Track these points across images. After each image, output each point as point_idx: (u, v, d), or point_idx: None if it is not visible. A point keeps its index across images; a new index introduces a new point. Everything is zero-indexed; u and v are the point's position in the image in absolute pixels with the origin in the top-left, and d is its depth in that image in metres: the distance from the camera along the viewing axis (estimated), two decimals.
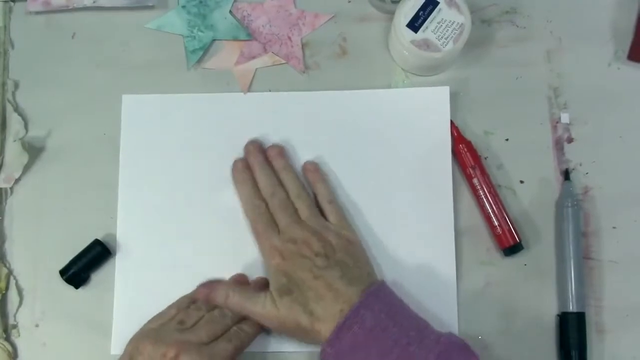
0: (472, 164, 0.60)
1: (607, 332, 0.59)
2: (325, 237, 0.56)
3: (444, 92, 0.62)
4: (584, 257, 0.60)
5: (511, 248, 0.59)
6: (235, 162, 0.61)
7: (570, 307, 0.58)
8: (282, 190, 0.59)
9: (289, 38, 0.63)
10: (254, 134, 0.62)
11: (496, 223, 0.59)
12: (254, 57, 0.64)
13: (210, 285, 0.57)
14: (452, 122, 0.61)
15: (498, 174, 0.61)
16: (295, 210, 0.58)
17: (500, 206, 0.59)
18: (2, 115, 0.63)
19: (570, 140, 0.62)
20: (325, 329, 0.52)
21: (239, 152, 0.61)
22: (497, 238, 0.59)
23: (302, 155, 0.62)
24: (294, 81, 0.63)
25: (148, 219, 0.61)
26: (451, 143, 0.61)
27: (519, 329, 0.59)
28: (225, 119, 0.62)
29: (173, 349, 0.51)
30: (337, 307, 0.52)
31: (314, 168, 0.61)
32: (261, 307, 0.54)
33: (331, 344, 0.51)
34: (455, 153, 0.61)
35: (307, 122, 0.62)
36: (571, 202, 0.59)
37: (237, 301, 0.55)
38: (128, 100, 0.63)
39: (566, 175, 0.61)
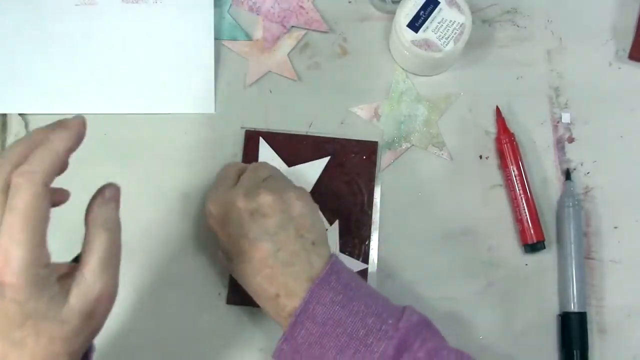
0: (513, 156, 0.60)
1: (609, 332, 0.59)
2: None
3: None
4: (585, 257, 0.60)
5: (535, 245, 0.59)
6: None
7: (572, 307, 0.58)
8: None
9: (301, 7, 0.63)
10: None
11: (528, 216, 0.59)
12: (278, 39, 0.63)
13: None
14: (499, 111, 0.61)
15: (499, 174, 0.61)
16: None
17: (532, 203, 0.59)
18: (3, 116, 0.63)
19: (571, 140, 0.62)
20: (285, 323, 0.49)
21: None
22: (524, 233, 0.59)
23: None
24: (293, 82, 0.63)
25: None
26: (495, 132, 0.61)
27: (519, 329, 0.59)
28: None
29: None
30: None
31: None
32: None
33: (286, 340, 0.48)
34: (496, 142, 0.61)
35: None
36: (572, 202, 0.59)
37: None
38: None
39: (567, 175, 0.61)
